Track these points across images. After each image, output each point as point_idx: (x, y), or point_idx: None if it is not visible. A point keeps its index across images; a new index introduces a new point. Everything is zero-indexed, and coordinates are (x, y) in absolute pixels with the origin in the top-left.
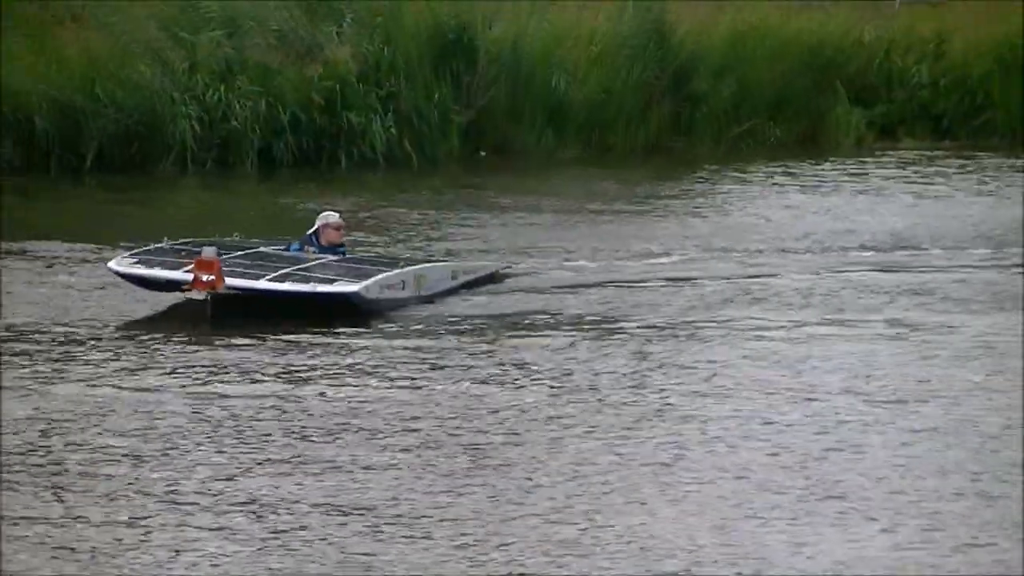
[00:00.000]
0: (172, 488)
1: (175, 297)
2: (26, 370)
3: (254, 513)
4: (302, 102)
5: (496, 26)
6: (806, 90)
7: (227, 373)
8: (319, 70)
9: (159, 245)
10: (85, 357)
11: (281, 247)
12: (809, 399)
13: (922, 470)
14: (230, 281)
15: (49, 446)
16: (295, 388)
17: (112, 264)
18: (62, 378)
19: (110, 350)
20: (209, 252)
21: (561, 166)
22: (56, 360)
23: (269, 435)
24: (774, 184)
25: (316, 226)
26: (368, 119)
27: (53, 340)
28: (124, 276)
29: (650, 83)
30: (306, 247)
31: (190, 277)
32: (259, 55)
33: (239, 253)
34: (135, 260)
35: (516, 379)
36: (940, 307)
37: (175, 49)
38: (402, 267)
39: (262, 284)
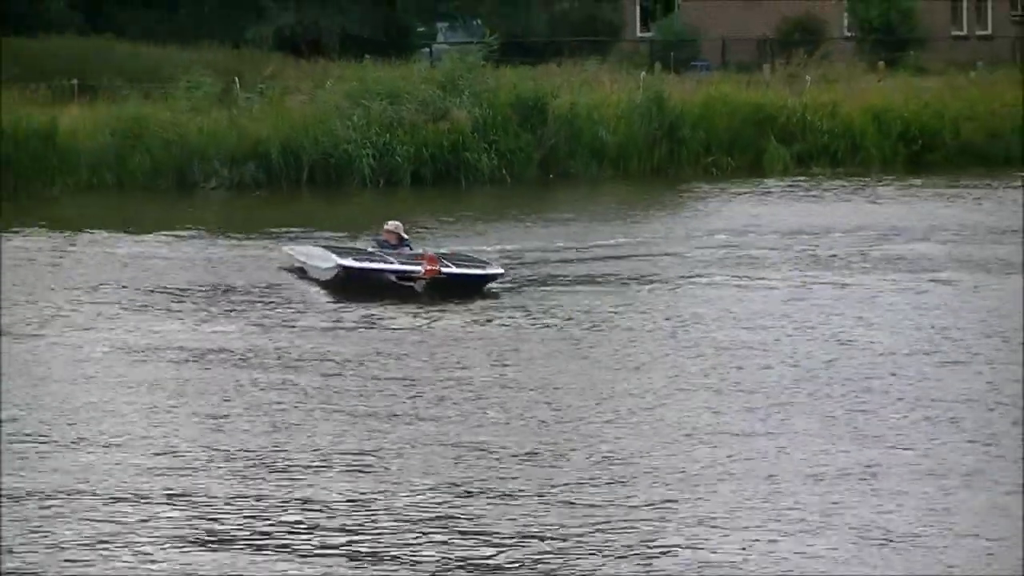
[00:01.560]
0: None
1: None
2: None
3: None
4: (438, 145)
5: (558, 97)
6: (751, 135)
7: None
8: (448, 126)
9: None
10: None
11: (365, 246)
12: (750, 326)
13: None
14: (443, 269)
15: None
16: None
17: (343, 262)
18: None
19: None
20: (430, 251)
21: (600, 184)
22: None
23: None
24: (731, 192)
25: (384, 231)
26: (478, 157)
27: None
28: (357, 271)
29: (653, 132)
30: (380, 246)
31: (421, 269)
32: (410, 116)
33: (351, 248)
34: (358, 257)
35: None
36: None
37: (357, 111)
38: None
39: (455, 270)
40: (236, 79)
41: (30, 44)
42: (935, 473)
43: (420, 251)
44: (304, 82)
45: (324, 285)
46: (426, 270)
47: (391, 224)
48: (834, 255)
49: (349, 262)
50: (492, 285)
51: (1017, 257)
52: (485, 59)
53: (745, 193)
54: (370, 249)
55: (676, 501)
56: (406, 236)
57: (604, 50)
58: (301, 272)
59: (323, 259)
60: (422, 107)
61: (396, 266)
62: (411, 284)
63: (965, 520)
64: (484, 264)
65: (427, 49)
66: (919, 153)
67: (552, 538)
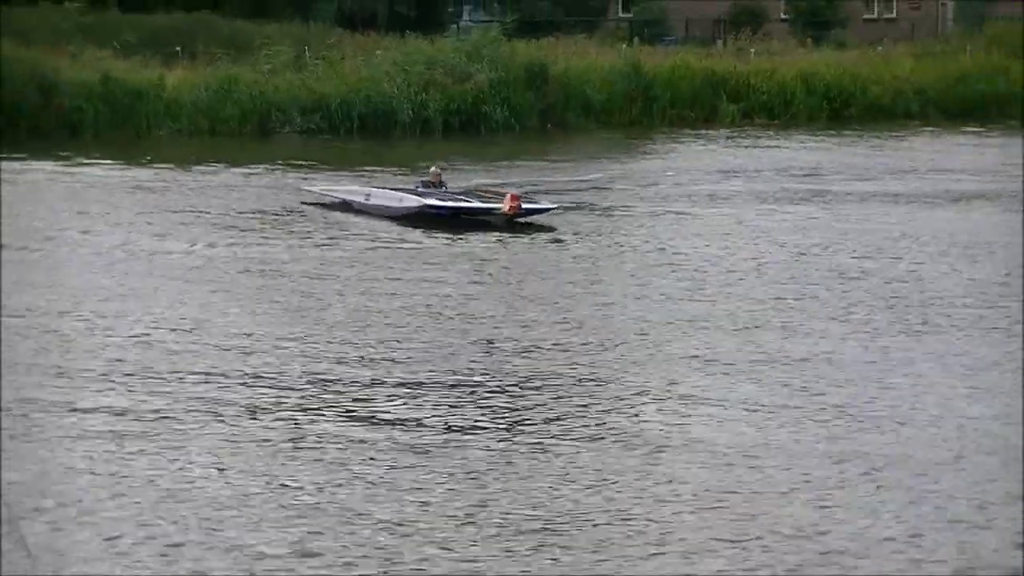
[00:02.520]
0: None
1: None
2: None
3: None
4: (463, 100)
5: (556, 64)
6: (707, 95)
7: None
8: (471, 85)
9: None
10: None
11: (411, 187)
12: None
13: None
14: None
15: None
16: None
17: (429, 200)
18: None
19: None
20: (514, 191)
21: (589, 132)
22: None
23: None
24: (691, 138)
25: (430, 174)
26: (494, 109)
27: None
28: (440, 208)
29: (631, 92)
30: (425, 186)
31: (505, 206)
32: (440, 78)
33: (407, 191)
34: (441, 197)
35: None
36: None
37: (400, 75)
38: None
39: (528, 205)
40: (306, 48)
41: (145, 19)
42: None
43: (462, 190)
44: (359, 51)
45: (399, 219)
46: (509, 207)
47: (433, 169)
48: (767, 191)
49: (433, 201)
50: (541, 217)
51: (903, 189)
52: (504, 34)
53: (702, 139)
54: (420, 189)
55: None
56: (444, 179)
57: (592, 28)
58: (345, 206)
59: (396, 199)
60: (450, 71)
61: (477, 204)
62: (488, 219)
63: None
64: (540, 201)
65: (455, 26)
66: (838, 110)
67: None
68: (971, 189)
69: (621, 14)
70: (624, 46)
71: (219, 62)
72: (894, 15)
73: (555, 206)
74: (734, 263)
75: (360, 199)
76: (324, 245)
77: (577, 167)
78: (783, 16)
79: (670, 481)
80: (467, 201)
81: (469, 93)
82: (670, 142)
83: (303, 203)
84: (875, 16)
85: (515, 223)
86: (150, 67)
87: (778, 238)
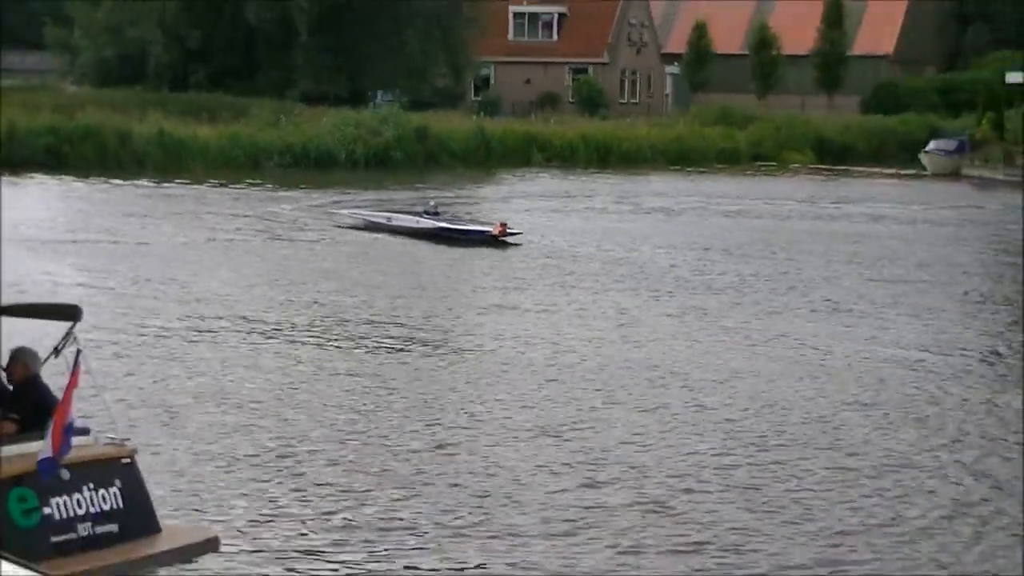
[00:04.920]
0: None
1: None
2: None
3: None
4: (377, 147)
5: (433, 127)
6: (525, 147)
7: None
8: (381, 138)
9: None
10: None
11: (417, 212)
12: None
13: None
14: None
15: None
16: None
17: (441, 224)
18: None
19: None
20: (501, 220)
21: (453, 169)
22: None
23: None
24: (515, 175)
25: (429, 206)
26: (396, 153)
27: None
28: (445, 230)
29: (478, 144)
30: (427, 212)
31: (496, 230)
32: (363, 135)
33: (427, 214)
34: (439, 218)
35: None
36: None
37: (338, 132)
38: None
39: (510, 230)
40: (281, 115)
41: (183, 96)
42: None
43: (457, 215)
44: (314, 117)
45: (414, 235)
46: (497, 230)
47: (432, 203)
48: (557, 206)
49: (445, 223)
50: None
51: (643, 206)
52: (402, 108)
53: (519, 174)
54: (425, 215)
55: None
56: (437, 209)
57: (456, 105)
58: (375, 226)
59: (414, 222)
60: (369, 130)
61: (477, 227)
62: (482, 237)
63: None
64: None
65: (372, 103)
66: (603, 157)
67: None
68: (681, 208)
69: (473, 97)
70: (475, 116)
71: (229, 123)
72: (638, 100)
73: (520, 231)
74: (527, 236)
75: (383, 221)
76: (363, 242)
77: (443, 189)
78: (571, 100)
79: None
80: (468, 225)
81: (380, 144)
82: (502, 175)
83: (336, 226)
84: (626, 100)
85: (499, 241)
86: (187, 125)
87: (559, 224)
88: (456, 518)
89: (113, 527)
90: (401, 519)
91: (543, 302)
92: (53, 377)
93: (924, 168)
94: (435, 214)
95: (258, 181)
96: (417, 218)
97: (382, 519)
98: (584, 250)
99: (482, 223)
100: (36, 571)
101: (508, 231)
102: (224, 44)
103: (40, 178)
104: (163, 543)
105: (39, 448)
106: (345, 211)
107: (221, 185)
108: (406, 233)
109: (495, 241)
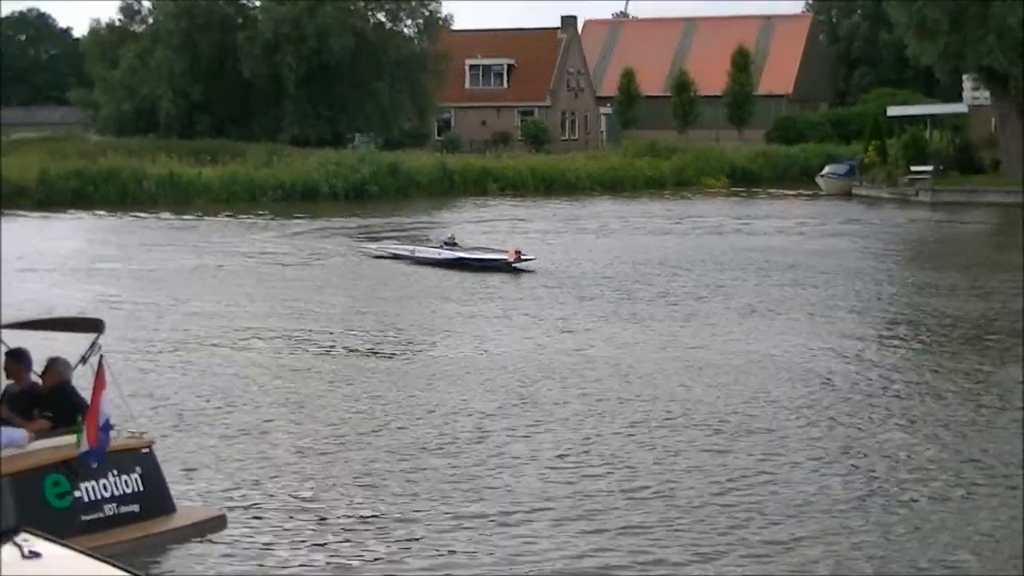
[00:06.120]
0: None
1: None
2: None
3: None
4: (356, 182)
5: (404, 163)
6: (482, 178)
7: None
8: (359, 174)
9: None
10: None
11: (437, 245)
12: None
13: None
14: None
15: None
16: None
17: (461, 254)
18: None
19: None
20: (516, 247)
21: (418, 199)
22: None
23: None
24: (473, 203)
25: (448, 237)
26: (372, 187)
27: None
28: (463, 260)
29: (442, 177)
30: (446, 243)
31: (511, 257)
32: (343, 171)
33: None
34: (469, 251)
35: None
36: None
37: (323, 169)
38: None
39: (523, 256)
40: (273, 155)
41: (188, 142)
42: None
43: (483, 247)
44: (301, 157)
45: (437, 264)
46: (512, 257)
47: (450, 234)
48: (509, 226)
49: (465, 254)
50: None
51: (586, 225)
52: (377, 148)
53: (478, 202)
54: (445, 245)
55: None
56: (455, 240)
57: (422, 144)
58: (400, 257)
59: (436, 253)
60: (349, 167)
61: (493, 256)
62: (499, 265)
63: None
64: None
65: (351, 144)
66: (549, 186)
67: None
68: (614, 228)
69: (437, 137)
70: (438, 154)
71: (229, 163)
72: (576, 137)
73: (535, 257)
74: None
75: (407, 253)
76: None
77: (414, 216)
78: (520, 138)
79: None
80: (485, 253)
81: (359, 179)
82: (462, 203)
83: (363, 256)
84: (567, 137)
85: (514, 268)
86: (193, 166)
87: (509, 242)
88: (454, 513)
89: (135, 507)
90: (400, 515)
91: (498, 310)
92: (78, 379)
93: (821, 189)
94: (453, 244)
95: (260, 211)
96: (438, 250)
97: (379, 511)
98: (533, 264)
99: (497, 251)
100: (68, 547)
101: (522, 257)
102: (224, 97)
103: (74, 213)
104: (177, 521)
105: (70, 442)
106: (373, 245)
107: (229, 216)
108: (429, 263)
109: (509, 267)
